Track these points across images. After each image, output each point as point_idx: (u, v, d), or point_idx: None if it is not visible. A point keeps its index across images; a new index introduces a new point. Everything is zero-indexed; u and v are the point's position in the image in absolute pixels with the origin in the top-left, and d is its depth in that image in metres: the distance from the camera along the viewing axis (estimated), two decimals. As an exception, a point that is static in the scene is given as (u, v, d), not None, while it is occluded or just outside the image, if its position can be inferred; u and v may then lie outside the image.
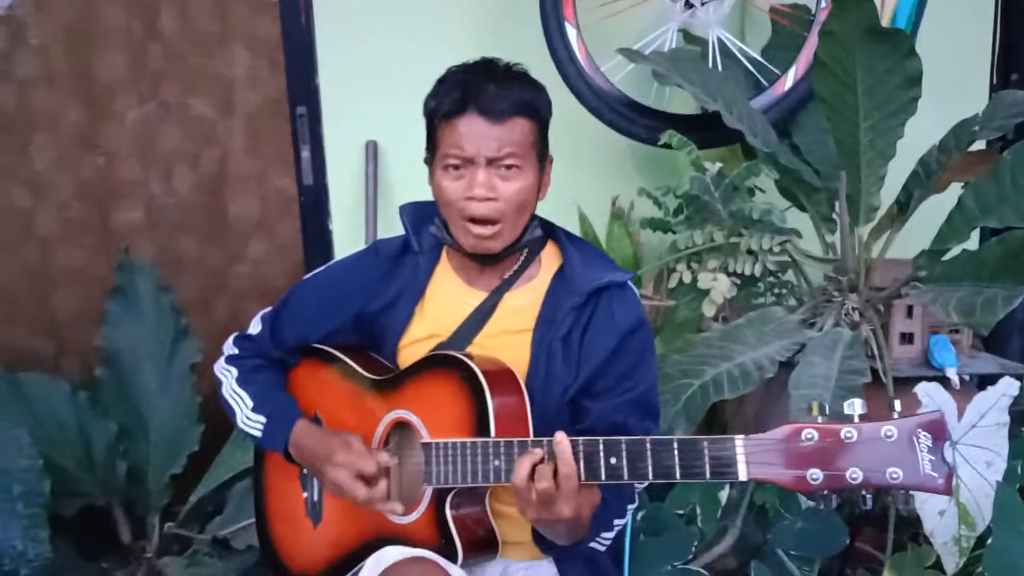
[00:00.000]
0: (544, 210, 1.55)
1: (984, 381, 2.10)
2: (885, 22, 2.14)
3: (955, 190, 2.15)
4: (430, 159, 1.41)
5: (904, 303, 2.07)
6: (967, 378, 2.07)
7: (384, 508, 1.36)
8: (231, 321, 2.72)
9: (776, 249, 2.13)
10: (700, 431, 1.93)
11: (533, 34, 2.30)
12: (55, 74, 2.61)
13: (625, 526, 1.54)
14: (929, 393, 1.74)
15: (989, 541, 1.65)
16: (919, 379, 1.92)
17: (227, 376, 1.55)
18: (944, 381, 1.96)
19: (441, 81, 1.38)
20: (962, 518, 1.71)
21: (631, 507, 1.47)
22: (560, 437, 1.21)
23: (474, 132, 1.32)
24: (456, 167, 1.34)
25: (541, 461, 1.21)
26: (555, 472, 1.20)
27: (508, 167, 1.34)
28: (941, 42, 2.33)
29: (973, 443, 1.74)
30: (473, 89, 1.33)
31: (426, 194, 1.47)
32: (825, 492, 1.06)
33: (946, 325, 2.13)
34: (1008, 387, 1.75)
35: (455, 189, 1.35)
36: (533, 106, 1.36)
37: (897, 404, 1.08)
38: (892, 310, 2.09)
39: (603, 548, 1.46)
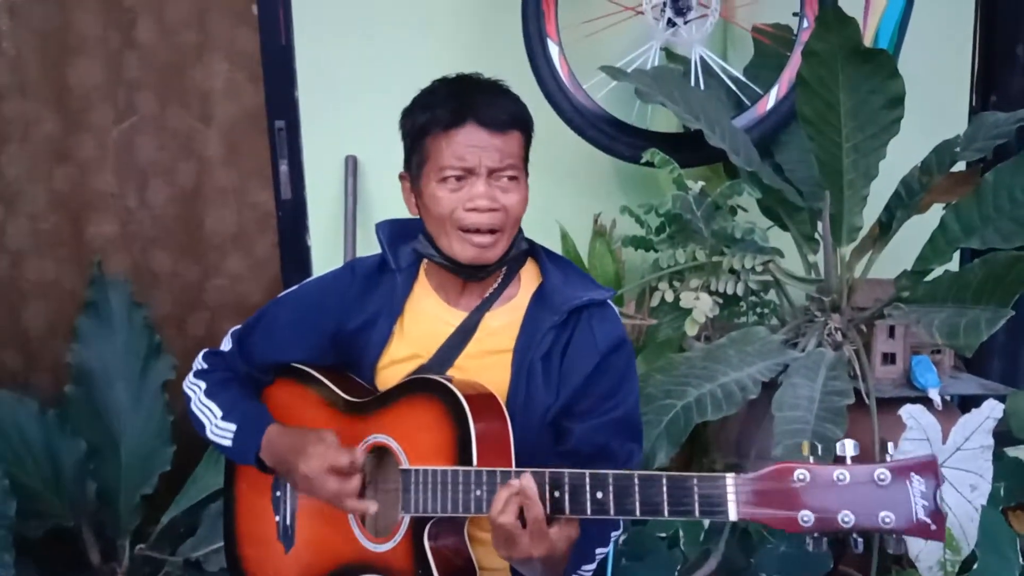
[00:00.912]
0: (526, 226, 1.52)
1: (966, 402, 2.11)
2: (867, 43, 2.14)
3: (937, 211, 2.16)
4: (414, 174, 1.38)
5: (886, 323, 2.06)
6: (949, 399, 2.07)
7: (355, 507, 1.31)
8: (206, 337, 2.67)
9: (758, 268, 2.12)
10: (683, 453, 1.92)
11: (516, 51, 2.29)
12: (28, 83, 2.56)
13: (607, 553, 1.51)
14: (914, 415, 1.73)
15: (975, 566, 1.64)
16: (902, 400, 1.92)
17: (196, 391, 1.51)
18: (927, 402, 1.95)
19: (430, 93, 1.36)
20: (947, 543, 1.70)
21: (615, 534, 1.43)
22: (526, 480, 1.17)
23: (475, 143, 1.30)
24: (457, 178, 1.32)
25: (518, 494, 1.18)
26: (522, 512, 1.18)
27: (509, 178, 1.33)
28: (922, 63, 2.34)
29: (958, 466, 1.73)
30: (470, 101, 1.31)
31: (404, 210, 1.44)
32: (816, 534, 1.04)
33: (928, 346, 2.13)
34: (992, 410, 1.74)
35: (453, 200, 1.32)
36: (526, 120, 1.37)
37: (890, 447, 1.06)
38: (874, 330, 2.09)
39: None
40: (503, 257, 1.38)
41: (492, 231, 1.34)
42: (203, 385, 1.51)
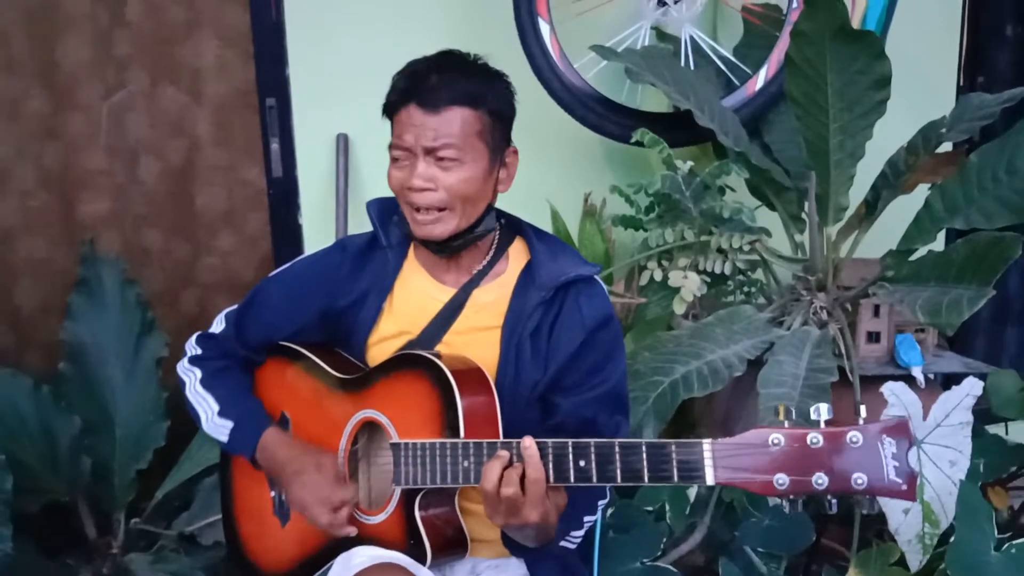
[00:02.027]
0: (516, 206, 1.55)
1: (949, 380, 2.14)
2: (855, 23, 2.15)
3: (922, 191, 2.18)
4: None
5: (871, 302, 2.09)
6: (932, 377, 2.10)
7: (340, 533, 1.37)
8: (198, 314, 2.69)
9: (746, 248, 2.14)
10: (670, 428, 1.95)
11: (507, 30, 2.29)
12: (16, 60, 2.55)
13: (595, 523, 1.54)
14: (895, 392, 1.76)
15: (952, 539, 1.68)
16: (885, 378, 1.95)
17: (191, 377, 1.53)
18: (910, 380, 1.99)
19: (399, 72, 1.38)
20: (926, 516, 1.74)
21: (602, 503, 1.47)
22: (528, 442, 1.20)
23: (413, 123, 1.32)
24: (398, 158, 1.36)
25: (509, 464, 1.21)
26: (523, 477, 1.20)
27: (445, 158, 1.33)
28: (910, 44, 2.36)
29: (937, 442, 1.76)
30: (415, 80, 1.33)
31: None
32: (791, 496, 1.07)
33: (912, 324, 2.16)
34: (972, 387, 1.77)
35: (398, 179, 1.37)
36: (475, 97, 1.34)
37: (862, 410, 1.09)
38: (859, 309, 2.12)
39: (573, 546, 1.46)
40: (462, 234, 1.39)
41: (433, 209, 1.35)
42: (198, 373, 1.53)
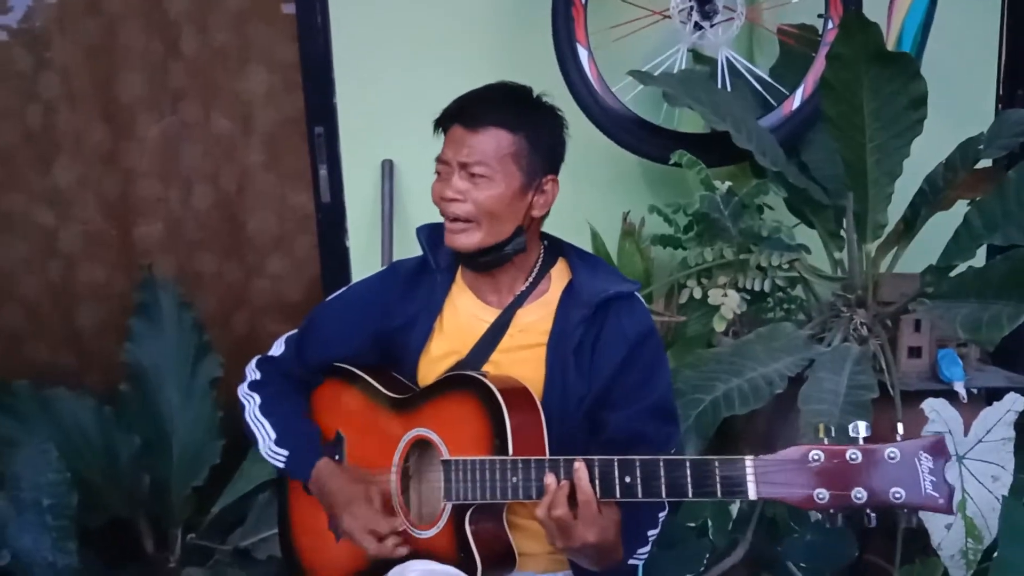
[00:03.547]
0: (556, 226, 1.60)
1: (992, 395, 2.13)
2: (891, 44, 2.17)
3: (961, 207, 2.18)
4: None
5: (912, 317, 2.10)
6: (975, 391, 2.10)
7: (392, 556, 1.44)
8: (250, 335, 2.78)
9: (785, 266, 2.16)
10: (711, 446, 1.97)
11: (546, 55, 2.35)
12: (78, 94, 2.67)
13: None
14: (936, 408, 1.77)
15: (995, 554, 1.68)
16: (927, 393, 1.96)
17: (251, 402, 1.60)
18: (952, 395, 1.99)
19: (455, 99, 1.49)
20: (969, 531, 1.75)
21: (662, 515, 1.49)
22: (578, 465, 1.25)
23: (454, 139, 1.43)
24: (440, 172, 1.46)
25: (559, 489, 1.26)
26: (572, 497, 1.25)
27: (476, 174, 1.41)
28: (948, 60, 2.37)
29: (979, 458, 1.77)
30: (464, 102, 1.45)
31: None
32: (831, 510, 1.11)
33: (954, 339, 2.16)
34: (1014, 402, 1.78)
35: (436, 190, 1.46)
36: (514, 121, 1.42)
37: (900, 427, 1.12)
38: (900, 324, 2.12)
39: (640, 563, 1.49)
40: (490, 250, 1.45)
41: (460, 219, 1.43)
42: (257, 399, 1.60)
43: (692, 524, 1.98)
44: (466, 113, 1.43)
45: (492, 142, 1.41)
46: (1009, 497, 1.72)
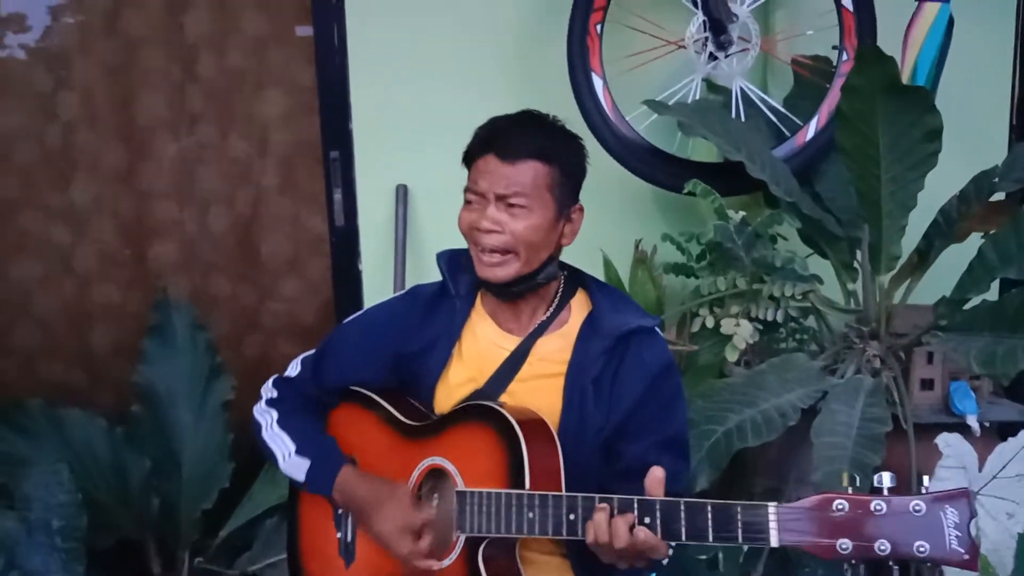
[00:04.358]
0: (570, 253, 1.60)
1: (1004, 428, 2.13)
2: (905, 78, 2.18)
3: (975, 240, 2.19)
4: None
5: (925, 350, 2.10)
6: (987, 424, 2.09)
7: (423, 564, 1.41)
8: (262, 358, 2.78)
9: (798, 297, 2.16)
10: (722, 474, 1.97)
11: (562, 83, 2.37)
12: (97, 116, 2.70)
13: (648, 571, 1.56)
14: (950, 443, 1.77)
15: (1011, 593, 1.68)
16: (940, 426, 1.96)
17: (268, 419, 1.60)
18: (964, 428, 1.99)
19: (480, 127, 1.48)
20: (983, 569, 1.73)
21: None
22: (601, 506, 1.26)
23: (488, 170, 1.42)
24: (471, 202, 1.45)
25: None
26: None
27: (515, 205, 1.41)
28: (962, 93, 2.37)
29: (994, 494, 1.76)
30: (495, 133, 1.44)
31: (453, 237, 1.54)
32: (853, 561, 1.10)
33: (966, 372, 2.16)
34: (1029, 438, 1.77)
35: (468, 220, 1.45)
36: (550, 153, 1.43)
37: (926, 480, 1.12)
38: (912, 356, 2.12)
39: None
40: (524, 279, 1.46)
41: (497, 251, 1.43)
42: (274, 414, 1.59)
43: (703, 556, 1.97)
44: (501, 144, 1.42)
45: (530, 173, 1.41)
46: (1024, 534, 1.71)
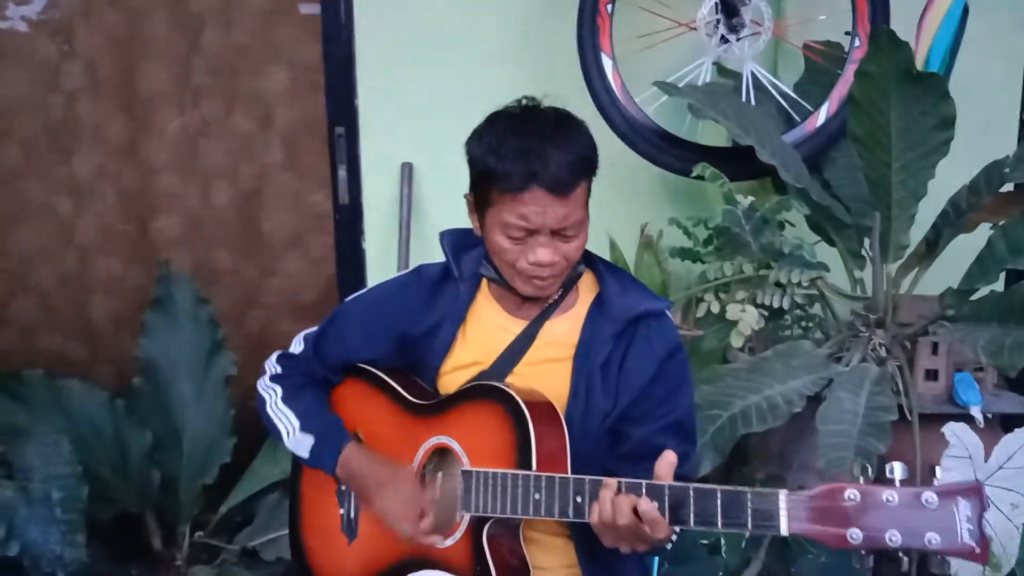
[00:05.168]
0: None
1: (1007, 420, 2.13)
2: (919, 65, 2.16)
3: (984, 230, 2.18)
4: (479, 205, 1.41)
5: (930, 340, 2.09)
6: (990, 416, 2.09)
7: (426, 542, 1.40)
8: (263, 334, 2.77)
9: (805, 283, 2.16)
10: (723, 460, 1.96)
11: (570, 62, 2.35)
12: (100, 85, 2.67)
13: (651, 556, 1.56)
14: (957, 434, 1.76)
15: (1013, 583, 1.68)
16: (943, 416, 1.95)
17: (272, 395, 1.59)
18: (968, 419, 1.98)
19: (498, 141, 1.35)
20: (988, 559, 1.73)
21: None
22: (610, 482, 1.24)
23: (540, 206, 1.32)
24: (516, 236, 1.36)
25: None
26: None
27: (569, 233, 1.37)
28: (973, 83, 2.36)
29: (999, 485, 1.76)
30: (537, 161, 1.31)
31: (458, 216, 1.51)
32: (863, 551, 1.09)
33: (970, 363, 2.16)
34: (1033, 431, 1.77)
35: (516, 252, 1.37)
36: (591, 165, 1.38)
37: (938, 471, 1.11)
38: (917, 347, 2.12)
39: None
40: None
41: (552, 277, 1.40)
42: (279, 390, 1.58)
43: (704, 541, 1.97)
44: (551, 176, 1.31)
45: (580, 196, 1.36)
46: (1028, 525, 1.71)
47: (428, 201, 2.60)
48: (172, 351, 2.40)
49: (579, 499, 1.28)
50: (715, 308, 2.23)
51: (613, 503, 1.23)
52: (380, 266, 2.60)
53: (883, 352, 2.13)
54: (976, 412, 2.03)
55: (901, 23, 2.22)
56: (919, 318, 2.14)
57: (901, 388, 2.04)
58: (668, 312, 1.49)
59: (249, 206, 2.76)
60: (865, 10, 2.28)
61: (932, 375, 2.14)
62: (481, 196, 1.39)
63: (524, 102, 1.42)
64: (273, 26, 2.67)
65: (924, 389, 2.13)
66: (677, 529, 1.27)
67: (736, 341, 2.18)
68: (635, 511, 1.21)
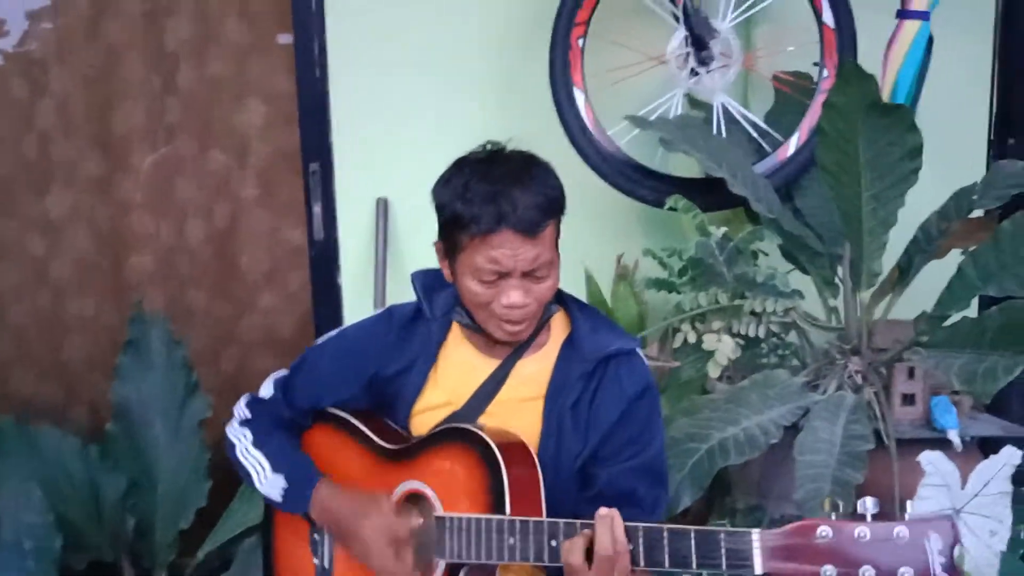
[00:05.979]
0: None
1: (985, 443, 2.13)
2: (886, 94, 2.19)
3: (955, 256, 2.20)
4: (448, 250, 1.40)
5: (906, 365, 2.10)
6: (968, 439, 2.09)
7: None
8: (239, 373, 2.75)
9: (780, 312, 2.17)
10: (704, 492, 1.96)
11: (543, 96, 2.36)
12: (73, 126, 2.66)
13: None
14: (932, 462, 1.76)
15: (993, 612, 1.67)
16: (921, 441, 1.96)
17: (242, 440, 1.57)
18: (945, 443, 1.99)
19: (464, 186, 1.35)
20: (966, 588, 1.73)
21: None
22: (604, 512, 1.24)
23: (510, 248, 1.33)
24: (487, 279, 1.36)
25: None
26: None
27: (539, 274, 1.37)
28: (940, 110, 2.39)
29: (977, 512, 1.76)
30: (506, 203, 1.32)
31: (433, 253, 1.48)
32: (837, 585, 1.10)
33: (947, 387, 2.16)
34: (1010, 456, 1.77)
35: (487, 295, 1.37)
36: (559, 205, 1.38)
37: (909, 505, 1.12)
38: (894, 371, 2.13)
39: None
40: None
41: (525, 320, 1.39)
42: (249, 435, 1.56)
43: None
44: (520, 217, 1.31)
45: (548, 239, 1.36)
46: (1008, 552, 1.70)
47: (404, 236, 2.60)
48: (145, 394, 2.37)
49: (554, 543, 1.27)
50: (692, 338, 2.23)
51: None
52: (357, 302, 2.59)
53: (859, 379, 2.14)
54: (954, 436, 2.03)
55: (868, 53, 2.26)
56: (894, 343, 2.15)
57: (878, 414, 2.04)
58: (639, 351, 1.49)
59: (224, 243, 2.75)
60: (833, 41, 2.31)
61: (909, 399, 2.14)
62: (450, 242, 1.39)
63: (489, 147, 1.42)
64: (248, 60, 2.67)
65: (901, 414, 2.13)
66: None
67: (713, 371, 2.18)
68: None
